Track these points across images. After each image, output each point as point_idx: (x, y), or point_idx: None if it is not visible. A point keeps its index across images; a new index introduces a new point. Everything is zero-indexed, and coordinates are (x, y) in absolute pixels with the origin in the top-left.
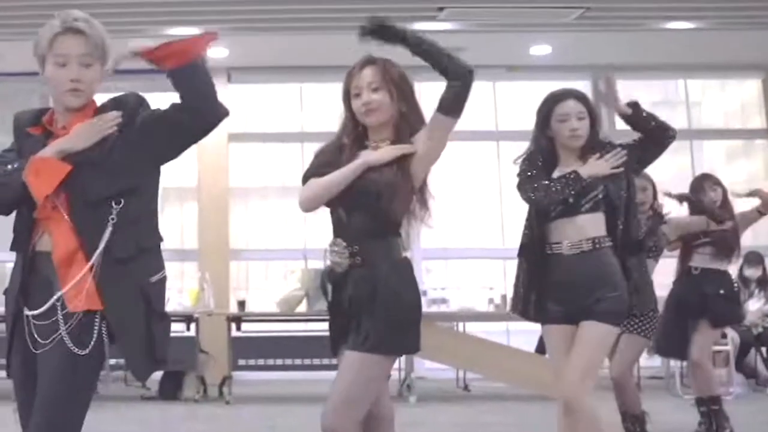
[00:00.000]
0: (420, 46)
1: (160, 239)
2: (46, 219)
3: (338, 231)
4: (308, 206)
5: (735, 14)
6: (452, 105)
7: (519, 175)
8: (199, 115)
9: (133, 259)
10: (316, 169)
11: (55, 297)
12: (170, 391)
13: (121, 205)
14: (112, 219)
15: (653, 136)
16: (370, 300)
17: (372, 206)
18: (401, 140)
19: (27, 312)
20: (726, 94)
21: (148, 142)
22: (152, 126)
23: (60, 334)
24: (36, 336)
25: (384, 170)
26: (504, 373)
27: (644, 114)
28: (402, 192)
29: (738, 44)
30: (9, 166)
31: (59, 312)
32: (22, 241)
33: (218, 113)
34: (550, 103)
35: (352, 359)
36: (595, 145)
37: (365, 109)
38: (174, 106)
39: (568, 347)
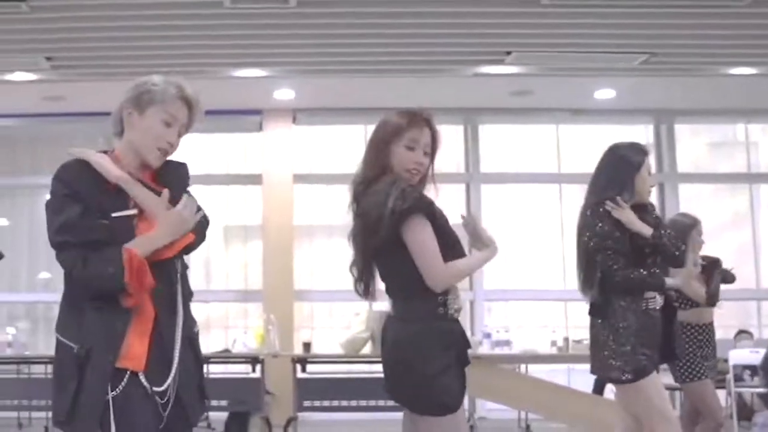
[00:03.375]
0: None
1: (193, 293)
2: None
3: None
4: (449, 286)
5: None
6: None
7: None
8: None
9: (184, 313)
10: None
11: (176, 365)
12: None
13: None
14: (179, 274)
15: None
16: None
17: None
18: None
19: (156, 389)
20: None
21: None
22: None
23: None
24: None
25: None
26: (564, 414)
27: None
28: None
29: None
30: (110, 269)
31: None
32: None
33: None
34: (643, 155)
35: None
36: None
37: (416, 170)
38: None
39: None
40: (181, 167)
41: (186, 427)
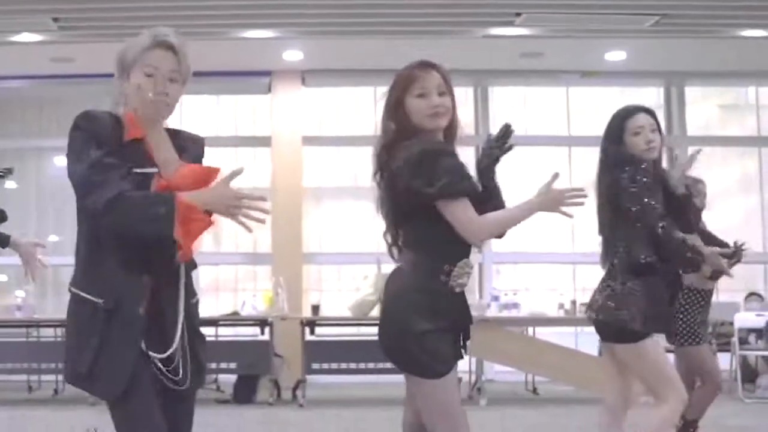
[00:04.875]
0: None
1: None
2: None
3: (464, 249)
4: (486, 239)
5: None
6: None
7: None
8: None
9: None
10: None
11: (179, 330)
12: (244, 394)
13: None
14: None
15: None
16: None
17: None
18: None
19: (156, 355)
20: None
21: None
22: None
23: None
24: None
25: None
26: (571, 377)
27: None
28: None
29: None
30: (160, 209)
31: (182, 347)
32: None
33: None
34: (620, 119)
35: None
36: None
37: (435, 111)
38: None
39: None
40: (199, 140)
41: (180, 399)
